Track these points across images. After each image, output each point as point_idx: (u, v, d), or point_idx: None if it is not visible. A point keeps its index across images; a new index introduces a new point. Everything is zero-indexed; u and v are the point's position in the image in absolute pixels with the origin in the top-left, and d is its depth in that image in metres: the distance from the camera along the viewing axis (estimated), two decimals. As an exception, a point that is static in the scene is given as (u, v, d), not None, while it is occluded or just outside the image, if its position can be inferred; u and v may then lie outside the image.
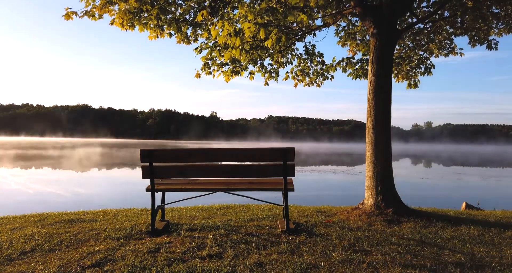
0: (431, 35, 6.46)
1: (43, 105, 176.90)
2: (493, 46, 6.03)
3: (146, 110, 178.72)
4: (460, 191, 13.82)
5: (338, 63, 7.04)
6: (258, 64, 6.62)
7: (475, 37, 6.08)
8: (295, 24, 6.08)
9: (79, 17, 4.98)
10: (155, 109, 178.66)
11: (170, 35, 5.67)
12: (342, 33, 6.98)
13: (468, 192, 13.27)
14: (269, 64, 6.78)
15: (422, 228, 4.07)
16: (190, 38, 6.09)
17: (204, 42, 6.29)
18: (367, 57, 6.86)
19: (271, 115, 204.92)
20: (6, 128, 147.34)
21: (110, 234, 3.68)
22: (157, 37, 5.57)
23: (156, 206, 3.85)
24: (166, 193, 4.26)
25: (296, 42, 6.63)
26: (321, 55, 6.99)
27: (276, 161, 3.78)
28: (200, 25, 5.84)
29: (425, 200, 9.82)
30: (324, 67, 7.13)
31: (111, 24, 5.22)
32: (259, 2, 5.33)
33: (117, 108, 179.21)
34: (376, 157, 4.82)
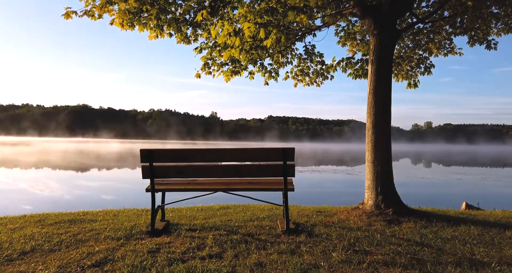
0: (431, 35, 6.46)
1: (43, 105, 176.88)
2: (492, 46, 6.04)
3: (146, 110, 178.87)
4: (460, 191, 13.82)
5: (338, 63, 7.04)
6: (258, 64, 6.62)
7: (475, 37, 6.09)
8: (295, 24, 6.08)
9: (79, 16, 4.98)
10: (155, 109, 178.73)
11: (170, 35, 5.67)
12: (342, 33, 6.98)
13: (468, 192, 13.28)
14: (269, 64, 6.78)
15: (422, 228, 4.07)
16: (190, 38, 6.09)
17: (204, 42, 6.29)
18: (367, 57, 6.86)
19: (271, 115, 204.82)
20: (6, 128, 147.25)
21: (110, 234, 3.68)
22: (157, 37, 5.58)
23: (156, 206, 3.84)
24: (166, 193, 4.26)
25: (296, 42, 6.63)
26: (321, 55, 7.00)
27: (276, 161, 3.78)
28: (200, 25, 5.84)
29: (425, 200, 9.82)
30: (324, 67, 7.14)
31: (111, 24, 5.22)
32: (259, 2, 5.33)
33: (117, 108, 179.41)
34: (376, 157, 4.82)
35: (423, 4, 6.25)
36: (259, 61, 6.57)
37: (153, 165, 3.74)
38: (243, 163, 3.93)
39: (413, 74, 7.05)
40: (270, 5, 4.69)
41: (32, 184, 13.09)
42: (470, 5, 5.43)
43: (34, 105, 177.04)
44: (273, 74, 6.85)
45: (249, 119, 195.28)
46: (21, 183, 13.39)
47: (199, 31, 6.07)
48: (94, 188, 12.98)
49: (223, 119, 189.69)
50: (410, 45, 6.85)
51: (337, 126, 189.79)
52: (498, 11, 5.69)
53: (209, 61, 6.32)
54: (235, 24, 5.37)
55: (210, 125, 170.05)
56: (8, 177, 15.63)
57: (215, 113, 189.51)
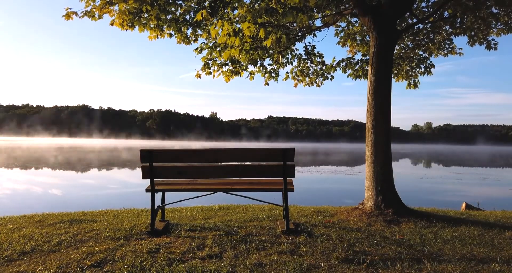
0: (431, 35, 6.46)
1: (43, 106, 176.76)
2: (492, 46, 6.03)
3: (146, 111, 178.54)
4: (460, 191, 13.82)
5: (338, 64, 7.04)
6: (258, 65, 6.61)
7: (474, 37, 6.09)
8: (294, 24, 6.08)
9: (79, 17, 4.98)
10: (155, 109, 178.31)
11: (170, 35, 5.68)
12: (342, 34, 6.98)
13: (468, 192, 13.27)
14: (269, 64, 6.78)
15: (422, 229, 4.07)
16: (190, 39, 6.09)
17: (204, 42, 6.30)
18: (367, 57, 6.86)
19: (271, 115, 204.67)
20: (6, 128, 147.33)
21: (110, 235, 3.68)
22: (157, 37, 5.58)
23: (156, 207, 3.84)
24: (166, 193, 4.25)
25: (296, 43, 6.63)
26: (321, 56, 7.00)
27: (276, 162, 3.78)
28: (200, 25, 5.84)
29: (425, 200, 9.82)
30: (324, 67, 7.14)
31: (111, 24, 5.23)
32: (259, 2, 5.33)
33: (117, 109, 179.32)
34: (376, 158, 4.82)
35: (423, 4, 6.25)
36: (259, 61, 6.57)
37: (153, 165, 3.74)
38: (243, 163, 3.92)
39: (413, 74, 7.05)
40: (270, 5, 4.69)
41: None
42: (470, 5, 5.42)
43: (34, 105, 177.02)
44: (273, 75, 6.85)
45: (249, 119, 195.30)
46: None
47: (199, 31, 6.08)
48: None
49: (223, 119, 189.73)
50: (410, 45, 6.85)
51: (337, 126, 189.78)
52: (498, 11, 5.69)
53: (209, 62, 6.31)
54: (235, 24, 5.37)
55: (210, 125, 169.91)
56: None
57: (215, 113, 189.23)
